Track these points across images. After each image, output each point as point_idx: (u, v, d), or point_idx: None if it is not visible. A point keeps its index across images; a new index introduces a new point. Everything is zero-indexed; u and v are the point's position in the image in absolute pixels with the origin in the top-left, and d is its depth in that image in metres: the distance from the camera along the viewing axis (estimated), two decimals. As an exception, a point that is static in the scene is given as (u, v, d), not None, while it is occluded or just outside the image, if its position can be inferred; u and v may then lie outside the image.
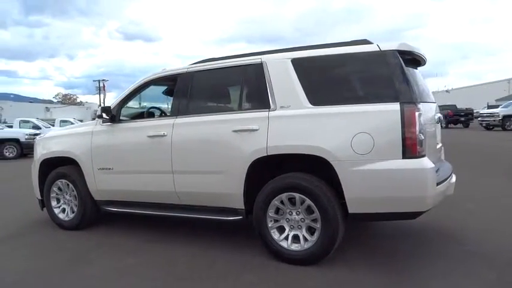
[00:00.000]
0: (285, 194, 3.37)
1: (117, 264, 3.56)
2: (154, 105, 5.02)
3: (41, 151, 4.91)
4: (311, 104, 3.35)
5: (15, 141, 15.15)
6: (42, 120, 24.45)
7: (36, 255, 3.91)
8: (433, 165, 3.02)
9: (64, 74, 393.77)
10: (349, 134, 3.12)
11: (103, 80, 51.50)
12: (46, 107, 53.27)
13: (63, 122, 23.49)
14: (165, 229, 4.55)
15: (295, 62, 3.49)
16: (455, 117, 29.30)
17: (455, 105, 32.09)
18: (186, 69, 4.08)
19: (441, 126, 4.17)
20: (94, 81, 66.55)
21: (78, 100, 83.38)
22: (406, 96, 3.05)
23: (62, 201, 4.82)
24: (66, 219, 4.74)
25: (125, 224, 4.81)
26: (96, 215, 4.70)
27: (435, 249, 3.71)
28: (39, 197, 4.98)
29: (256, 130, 3.47)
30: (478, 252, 3.57)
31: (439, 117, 3.88)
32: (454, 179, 3.68)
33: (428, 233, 4.21)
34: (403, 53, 3.26)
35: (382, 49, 3.21)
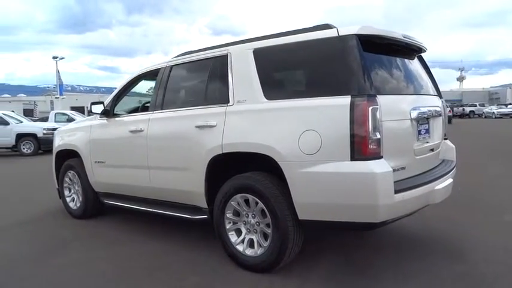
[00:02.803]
0: (239, 195, 3.15)
1: (85, 256, 3.66)
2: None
3: (56, 143, 5.26)
4: (266, 98, 3.06)
5: (33, 136, 14.40)
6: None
7: (23, 242, 4.16)
8: (388, 169, 2.56)
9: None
10: (296, 132, 2.78)
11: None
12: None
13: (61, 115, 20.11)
14: (157, 223, 4.56)
15: (256, 53, 3.22)
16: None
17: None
18: (165, 64, 4.02)
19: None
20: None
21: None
22: (360, 88, 2.61)
23: (72, 191, 5.11)
24: (75, 208, 5.02)
25: (123, 216, 4.92)
26: (99, 206, 4.88)
27: (418, 266, 3.19)
28: (57, 187, 5.34)
29: (214, 126, 3.28)
30: (471, 275, 2.99)
31: (436, 111, 3.31)
32: (445, 183, 3.10)
33: (419, 243, 3.68)
34: (368, 38, 2.80)
35: (340, 34, 2.79)
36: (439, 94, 3.77)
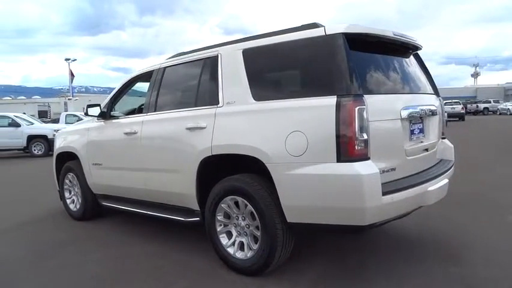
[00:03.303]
0: (229, 197, 3.11)
1: (79, 258, 3.67)
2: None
3: (57, 145, 5.30)
4: (254, 99, 3.02)
5: (44, 138, 14.54)
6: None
7: (20, 244, 4.19)
8: (375, 170, 2.49)
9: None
10: (283, 133, 2.73)
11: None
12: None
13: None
14: (153, 226, 4.55)
15: (245, 53, 3.18)
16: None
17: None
18: (159, 65, 4.01)
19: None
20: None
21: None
22: (347, 88, 2.54)
23: (72, 193, 5.14)
24: (75, 209, 5.04)
25: (121, 218, 4.92)
26: (98, 208, 4.89)
27: (414, 268, 3.11)
28: (58, 188, 5.38)
29: (204, 128, 3.25)
30: (467, 278, 2.91)
31: (431, 110, 3.23)
32: (439, 184, 3.02)
33: (417, 245, 3.59)
34: (356, 37, 2.74)
35: (327, 33, 2.73)
36: (436, 92, 3.68)
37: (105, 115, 4.50)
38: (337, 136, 2.50)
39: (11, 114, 15.68)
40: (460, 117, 29.33)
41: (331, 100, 2.55)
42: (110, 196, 4.56)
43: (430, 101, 3.36)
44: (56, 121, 21.31)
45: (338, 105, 2.51)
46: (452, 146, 3.74)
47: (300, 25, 3.00)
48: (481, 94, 58.05)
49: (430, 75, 3.69)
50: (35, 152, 14.65)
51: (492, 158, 9.23)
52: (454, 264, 3.17)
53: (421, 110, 3.06)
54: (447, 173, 3.28)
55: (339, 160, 2.51)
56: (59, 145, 5.21)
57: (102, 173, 4.50)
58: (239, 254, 3.12)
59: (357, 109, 2.49)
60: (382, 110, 2.74)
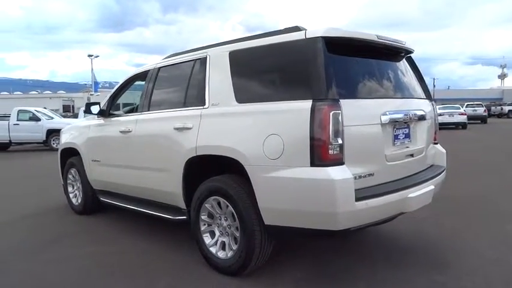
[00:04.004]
0: (212, 197, 3.16)
1: (72, 252, 3.77)
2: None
3: (61, 141, 5.46)
4: (237, 101, 3.04)
5: None
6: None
7: (19, 236, 4.34)
8: (348, 175, 2.48)
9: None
10: (261, 136, 2.75)
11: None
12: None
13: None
14: (148, 223, 4.62)
15: (231, 55, 3.21)
16: None
17: None
18: (154, 65, 4.08)
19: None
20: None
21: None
22: (322, 92, 2.54)
23: (74, 188, 5.29)
24: (76, 204, 5.19)
25: (119, 214, 5.00)
26: (97, 203, 5.00)
27: (397, 274, 3.08)
28: (62, 183, 5.55)
29: (191, 128, 3.30)
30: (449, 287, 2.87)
31: (418, 115, 3.19)
32: (422, 191, 2.97)
33: (406, 251, 3.53)
34: (337, 40, 2.73)
35: (307, 37, 2.73)
36: (428, 97, 3.62)
37: (105, 113, 4.61)
38: (311, 140, 2.50)
39: (31, 109, 16.20)
40: (482, 119, 28.57)
41: (307, 104, 2.55)
42: (107, 192, 4.67)
43: (419, 106, 3.30)
44: (77, 116, 21.88)
45: (313, 110, 2.51)
46: (444, 151, 3.68)
47: (283, 28, 3.01)
48: (508, 96, 56.27)
49: (423, 79, 3.64)
50: (54, 145, 14.99)
51: (502, 160, 8.99)
52: (439, 273, 3.12)
53: (405, 115, 3.01)
54: (434, 179, 3.22)
55: (312, 164, 2.51)
56: (63, 141, 5.37)
57: (100, 170, 4.62)
58: (221, 254, 3.16)
59: (331, 113, 2.49)
60: (360, 114, 2.71)
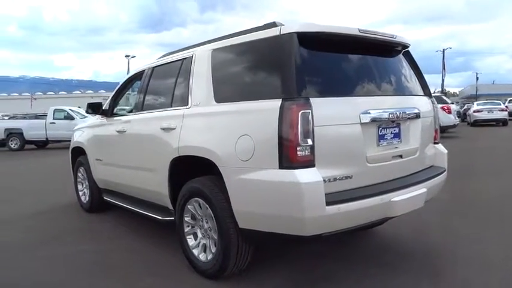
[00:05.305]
0: (194, 199, 3.11)
1: (70, 249, 3.85)
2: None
3: (72, 140, 5.61)
4: (215, 101, 2.98)
5: None
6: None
7: (24, 232, 4.45)
8: (317, 178, 2.34)
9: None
10: (234, 137, 2.67)
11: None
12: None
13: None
14: (149, 222, 4.63)
15: (213, 54, 3.14)
16: None
17: None
18: (148, 65, 4.09)
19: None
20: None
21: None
22: (292, 90, 2.42)
23: (84, 186, 5.42)
24: (85, 202, 5.32)
25: (123, 213, 5.07)
26: (103, 201, 5.10)
27: (384, 281, 2.92)
28: (73, 181, 5.70)
29: (174, 129, 3.27)
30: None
31: (409, 114, 2.99)
32: (410, 194, 2.77)
33: (401, 256, 3.33)
34: (313, 36, 2.59)
35: (281, 33, 2.61)
36: (427, 94, 3.39)
37: (107, 113, 4.67)
38: (280, 141, 2.40)
39: (66, 108, 16.90)
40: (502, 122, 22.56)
41: (276, 103, 2.44)
42: (109, 191, 4.75)
43: (412, 104, 3.09)
44: None
45: (281, 109, 2.40)
46: (445, 151, 3.44)
47: (263, 24, 2.90)
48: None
49: (422, 75, 3.41)
50: None
51: None
52: (428, 281, 2.93)
53: (391, 113, 2.80)
54: (427, 181, 3.01)
55: (281, 166, 2.40)
56: (73, 140, 5.51)
57: (102, 168, 4.70)
58: (202, 256, 3.11)
59: (300, 113, 2.36)
60: (336, 114, 2.55)
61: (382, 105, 2.82)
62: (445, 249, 3.55)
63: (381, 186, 2.71)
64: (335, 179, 2.49)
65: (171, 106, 3.50)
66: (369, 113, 2.67)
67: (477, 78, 60.06)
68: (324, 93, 2.55)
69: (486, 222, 4.32)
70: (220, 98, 2.95)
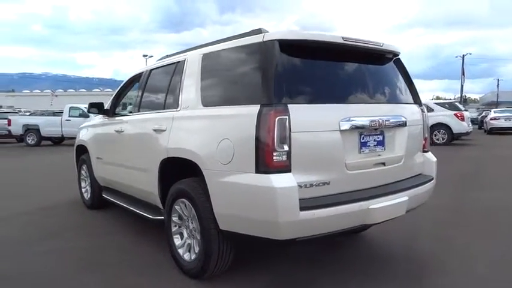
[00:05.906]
0: (180, 199, 3.18)
1: (65, 245, 3.97)
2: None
3: (77, 138, 5.77)
4: (202, 104, 3.05)
5: None
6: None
7: (24, 228, 4.60)
8: (292, 184, 2.39)
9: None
10: (216, 140, 2.74)
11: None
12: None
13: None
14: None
15: (203, 58, 3.22)
16: None
17: None
18: (147, 67, 4.20)
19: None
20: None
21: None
22: (271, 97, 2.47)
23: (87, 183, 5.57)
24: (87, 199, 5.47)
25: (122, 210, 5.20)
26: (103, 198, 5.22)
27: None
28: (77, 178, 5.86)
29: (164, 131, 3.36)
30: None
31: (392, 122, 3.00)
32: (390, 202, 2.79)
33: (388, 263, 3.32)
34: (295, 43, 2.64)
35: (264, 40, 2.66)
36: (417, 102, 3.39)
37: (108, 113, 4.80)
38: (257, 146, 2.45)
39: (81, 106, 17.24)
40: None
41: (255, 109, 2.49)
42: (108, 188, 4.88)
43: (398, 112, 3.10)
44: None
45: (259, 115, 2.45)
46: (434, 160, 3.43)
47: (250, 30, 2.96)
48: None
49: (412, 83, 3.41)
50: None
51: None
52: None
53: (372, 121, 2.82)
54: (412, 190, 3.01)
55: (257, 171, 2.46)
56: (78, 138, 5.66)
57: (102, 167, 4.83)
58: (186, 256, 3.18)
59: (277, 119, 2.41)
60: (315, 121, 2.59)
61: (365, 112, 2.84)
62: (431, 256, 3.55)
63: (360, 193, 2.73)
64: (311, 185, 2.53)
65: (164, 108, 3.59)
66: (350, 120, 2.70)
67: (498, 84, 58.76)
68: (304, 100, 2.60)
69: (482, 233, 4.27)
70: (206, 102, 3.02)
